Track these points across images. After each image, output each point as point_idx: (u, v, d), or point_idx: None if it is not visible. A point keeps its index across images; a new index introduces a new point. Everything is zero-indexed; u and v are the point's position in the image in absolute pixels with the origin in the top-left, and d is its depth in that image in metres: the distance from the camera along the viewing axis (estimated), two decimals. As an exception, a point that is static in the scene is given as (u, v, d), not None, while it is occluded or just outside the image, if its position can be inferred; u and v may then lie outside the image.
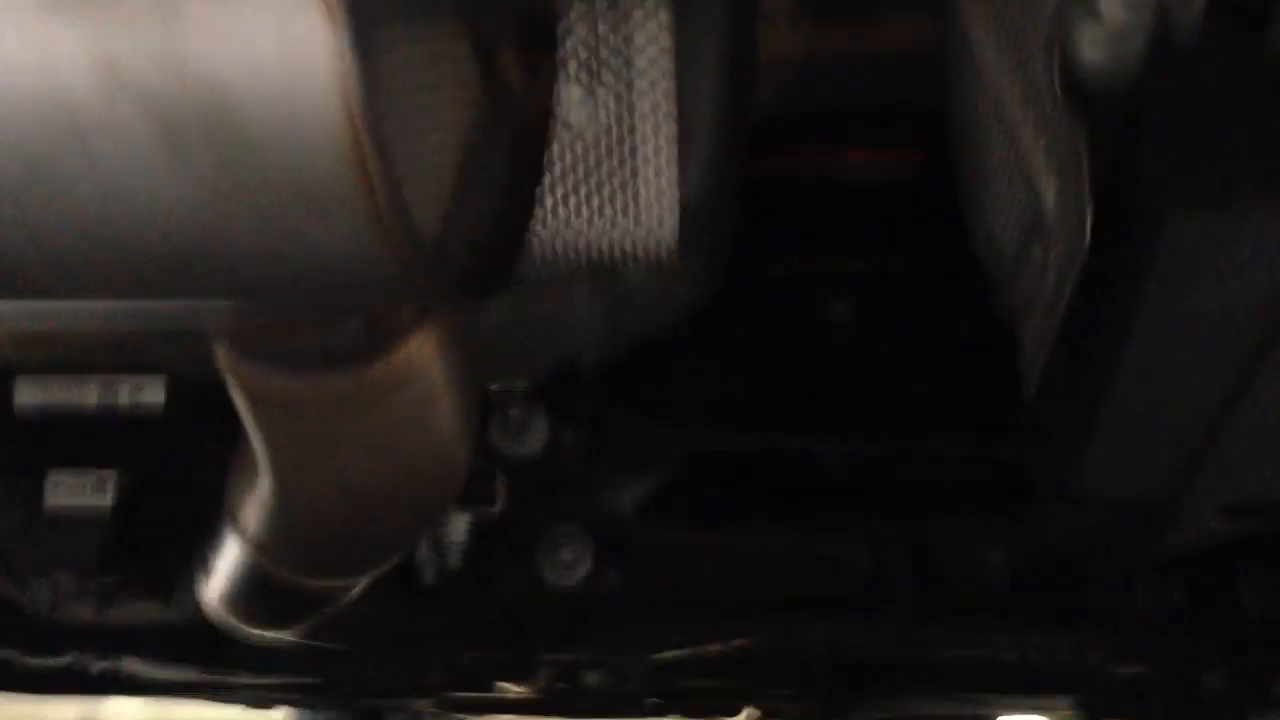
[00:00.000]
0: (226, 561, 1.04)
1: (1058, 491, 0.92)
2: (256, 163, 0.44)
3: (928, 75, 0.98)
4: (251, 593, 1.02)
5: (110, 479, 1.37)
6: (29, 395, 1.36)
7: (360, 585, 0.98)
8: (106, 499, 1.36)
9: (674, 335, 1.25)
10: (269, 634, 1.24)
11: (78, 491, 1.37)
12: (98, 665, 2.24)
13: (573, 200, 0.82)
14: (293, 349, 0.65)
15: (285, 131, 0.43)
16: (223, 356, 0.67)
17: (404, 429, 0.71)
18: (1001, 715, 1.75)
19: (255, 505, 0.87)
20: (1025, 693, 1.41)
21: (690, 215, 0.84)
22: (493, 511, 1.15)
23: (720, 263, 1.00)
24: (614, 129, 0.81)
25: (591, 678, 2.39)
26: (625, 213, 0.82)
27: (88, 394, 1.36)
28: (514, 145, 0.65)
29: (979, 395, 1.21)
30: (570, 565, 1.28)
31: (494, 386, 1.18)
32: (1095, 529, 1.00)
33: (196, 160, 0.44)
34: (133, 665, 2.15)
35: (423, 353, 0.68)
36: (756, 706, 2.96)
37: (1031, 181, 0.79)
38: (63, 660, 2.20)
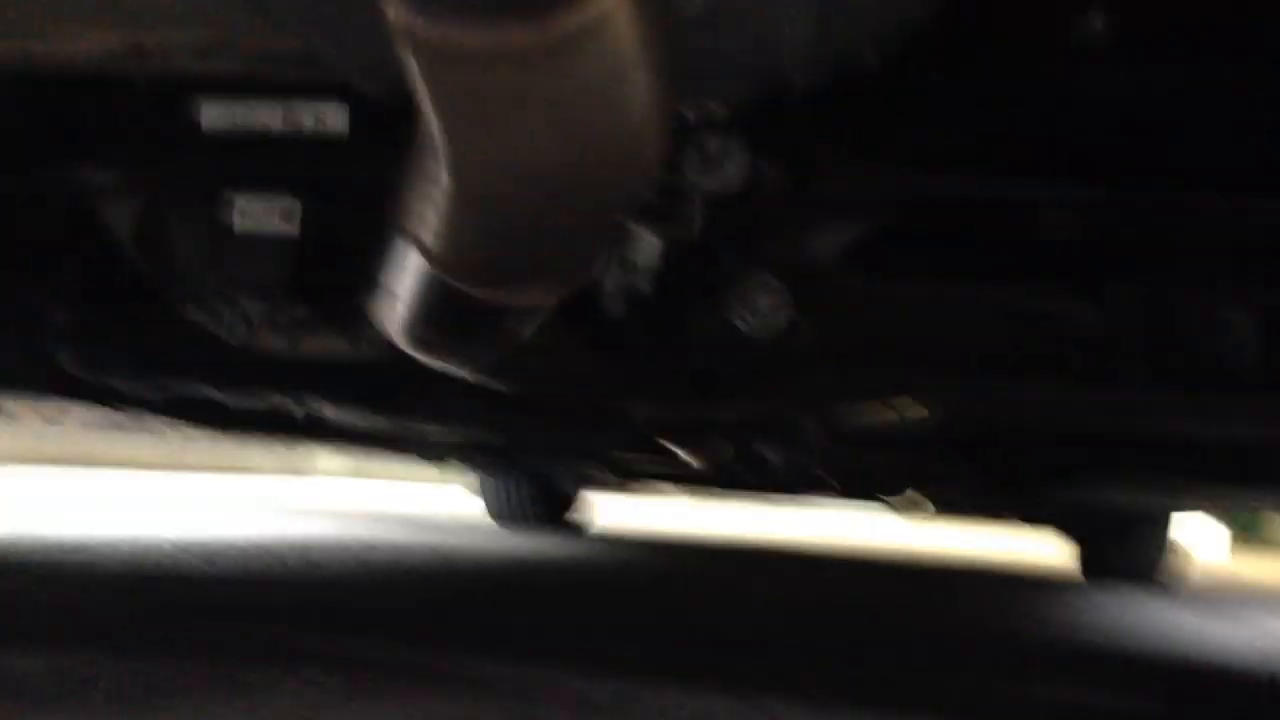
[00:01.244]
0: (407, 281, 0.99)
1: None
2: None
3: None
4: (432, 311, 0.97)
5: (296, 207, 1.34)
6: (214, 117, 1.32)
7: (545, 302, 0.92)
8: (294, 226, 1.34)
9: (891, 61, 1.11)
10: (452, 365, 1.20)
11: (265, 218, 1.34)
12: (298, 409, 2.30)
13: None
14: (472, -9, 0.56)
15: None
16: (393, 10, 0.59)
17: (591, 99, 0.62)
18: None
19: (432, 212, 0.80)
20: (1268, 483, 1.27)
21: None
22: (687, 234, 1.06)
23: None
24: None
25: (770, 453, 2.34)
26: None
27: (272, 117, 1.32)
28: None
29: (1247, 137, 1.04)
30: (766, 315, 1.19)
31: (688, 111, 1.07)
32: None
33: None
34: (330, 413, 2.21)
35: (617, 10, 0.59)
36: (940, 485, 2.88)
37: None
38: (263, 401, 2.27)
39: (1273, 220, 1.07)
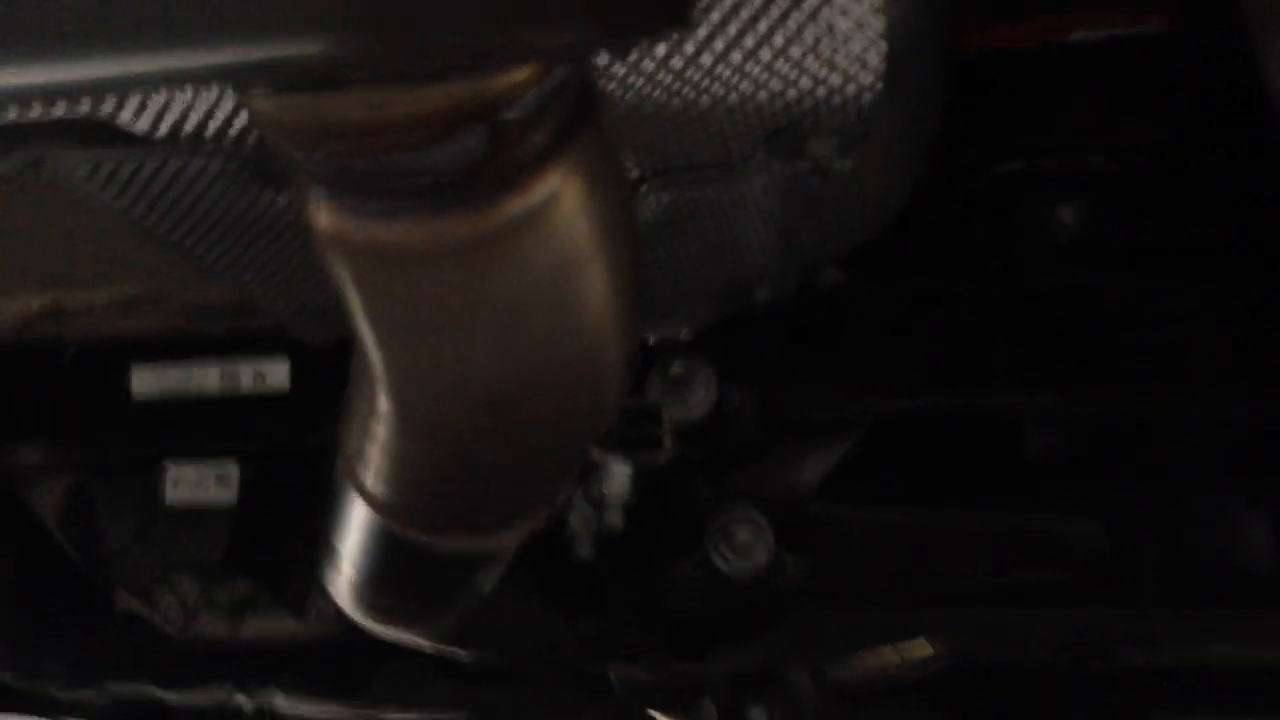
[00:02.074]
0: (352, 537, 0.90)
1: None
2: None
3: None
4: (383, 568, 0.87)
5: (233, 472, 1.25)
6: (144, 382, 1.25)
7: (506, 547, 0.82)
8: (231, 493, 1.24)
9: (857, 273, 1.07)
10: (409, 634, 1.09)
11: (199, 486, 1.25)
12: (248, 703, 2.13)
13: (750, 38, 0.65)
14: (398, 179, 0.50)
15: None
16: (314, 207, 0.53)
17: (542, 299, 0.55)
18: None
19: (374, 449, 0.72)
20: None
21: (897, 54, 0.66)
22: (658, 459, 0.98)
23: (926, 141, 0.82)
24: (796, -56, 0.64)
25: (757, 714, 2.18)
26: (817, 49, 0.65)
27: (208, 379, 1.25)
28: None
29: (1243, 331, 0.99)
30: (746, 552, 1.10)
31: (652, 338, 1.01)
32: None
33: None
34: (278, 701, 2.04)
35: (567, 192, 0.52)
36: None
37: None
38: (207, 696, 2.10)
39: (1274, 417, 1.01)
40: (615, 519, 0.99)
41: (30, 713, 2.20)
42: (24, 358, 1.24)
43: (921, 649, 1.16)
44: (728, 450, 1.11)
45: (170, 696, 2.02)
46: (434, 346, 0.57)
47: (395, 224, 0.51)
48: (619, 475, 0.98)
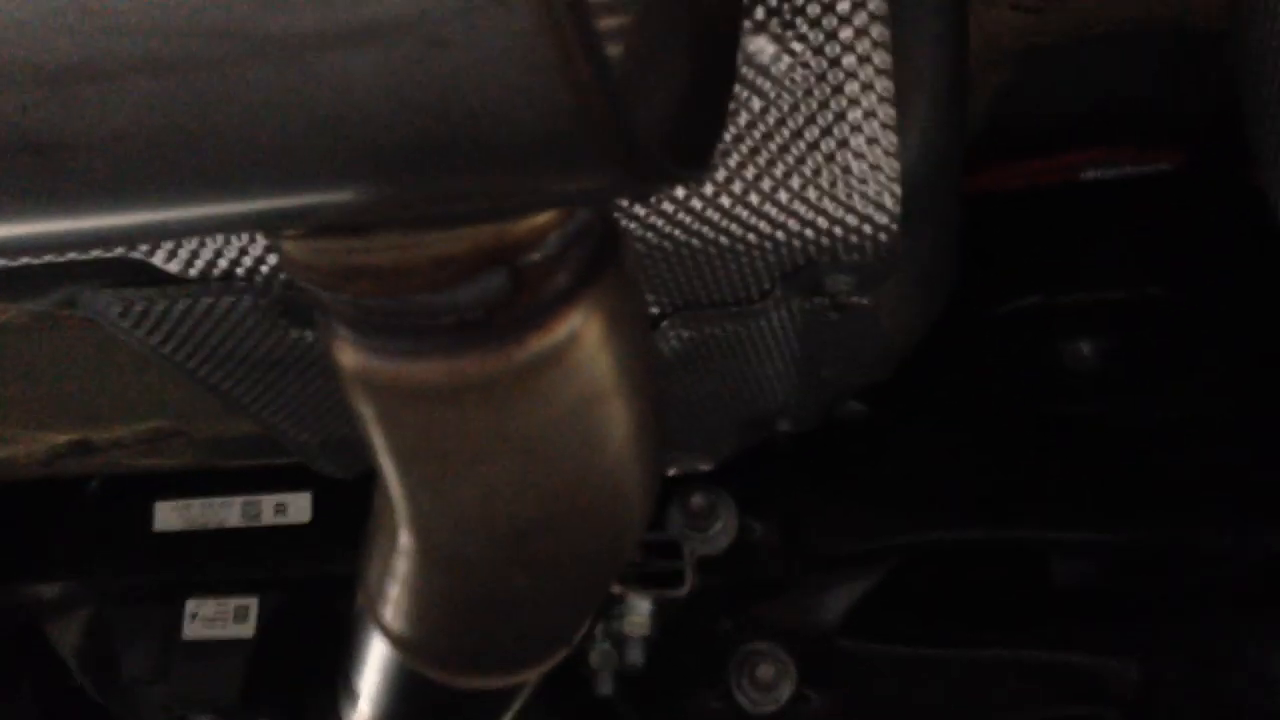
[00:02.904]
0: (371, 675, 0.89)
1: None
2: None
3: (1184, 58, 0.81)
4: (403, 707, 0.86)
5: (252, 606, 1.24)
6: (166, 517, 1.25)
7: (525, 686, 0.81)
8: (249, 628, 1.23)
9: (880, 402, 1.07)
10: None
11: (218, 621, 1.24)
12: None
13: (767, 181, 0.67)
14: (422, 318, 0.51)
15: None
16: (339, 345, 0.53)
17: (565, 434, 0.55)
18: None
19: (394, 585, 0.72)
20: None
21: (913, 196, 0.67)
22: (679, 594, 0.97)
23: (943, 278, 0.83)
24: (815, 88, 0.66)
25: None
26: (833, 191, 0.67)
27: (229, 513, 1.25)
28: (704, 14, 0.50)
29: (1267, 458, 0.99)
30: (769, 688, 1.08)
31: (672, 471, 1.01)
32: None
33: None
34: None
35: (588, 330, 0.53)
36: None
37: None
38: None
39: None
40: (636, 655, 0.98)
41: None
42: (47, 492, 1.25)
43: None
44: (750, 583, 1.10)
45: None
46: (457, 482, 0.57)
47: (419, 362, 0.52)
48: (639, 610, 0.97)
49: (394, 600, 0.73)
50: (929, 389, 1.06)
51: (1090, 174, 0.91)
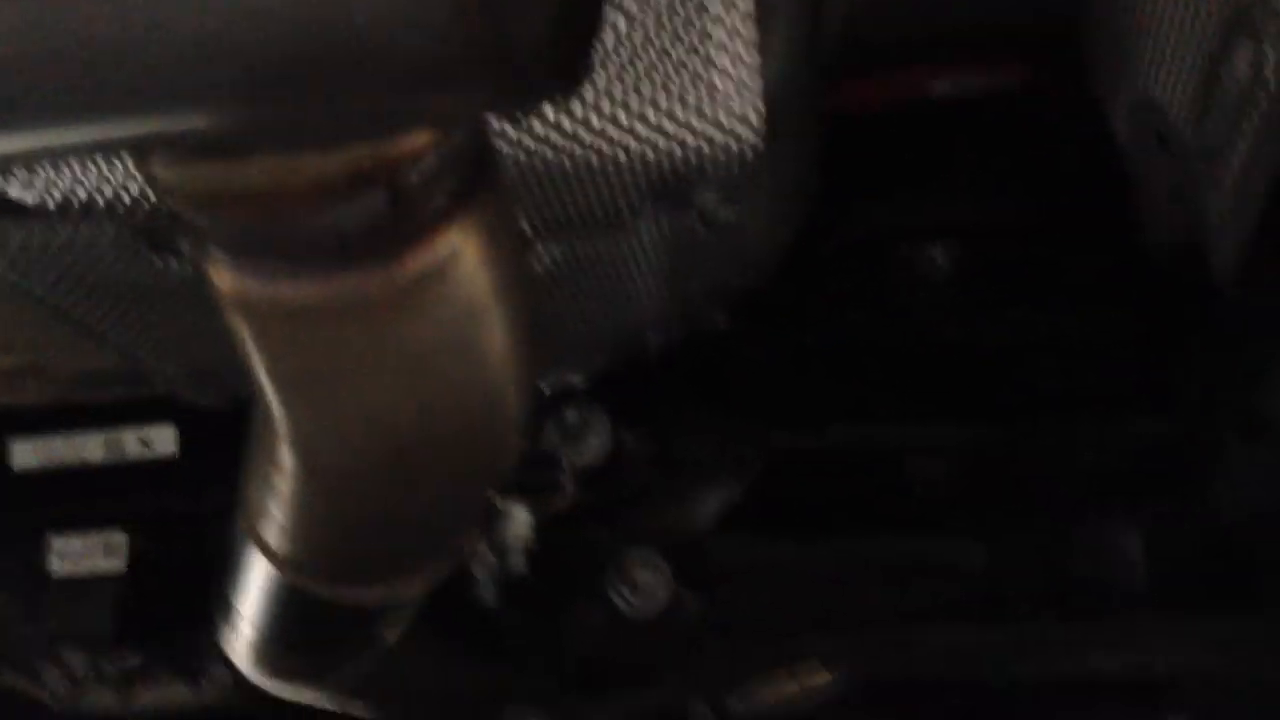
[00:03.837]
0: (253, 596, 0.89)
1: (1245, 427, 0.77)
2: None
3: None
4: (286, 625, 0.86)
5: (121, 541, 1.22)
6: (28, 457, 1.22)
7: (410, 599, 0.83)
8: (118, 563, 1.22)
9: (741, 316, 1.10)
10: (311, 692, 1.08)
11: (86, 557, 1.22)
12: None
13: (635, 100, 0.69)
14: (299, 241, 0.51)
15: None
16: (215, 269, 0.53)
17: (445, 350, 0.56)
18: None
19: (275, 505, 0.72)
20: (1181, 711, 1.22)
21: (776, 111, 0.70)
22: (561, 506, 1.00)
23: (804, 193, 0.86)
24: (679, 7, 0.67)
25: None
26: (700, 108, 0.69)
27: (92, 450, 1.23)
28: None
29: (1111, 354, 1.05)
30: (645, 592, 1.12)
31: (546, 387, 1.03)
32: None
33: None
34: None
35: (467, 249, 0.54)
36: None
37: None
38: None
39: (1145, 437, 1.08)
40: (518, 563, 1.00)
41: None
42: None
43: (818, 675, 1.19)
44: (625, 494, 1.13)
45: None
46: (339, 400, 0.58)
47: (298, 283, 0.52)
48: (520, 520, 0.99)
49: (276, 520, 0.73)
50: (790, 299, 1.09)
51: (940, 89, 0.95)
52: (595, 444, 1.06)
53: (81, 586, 1.20)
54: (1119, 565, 1.11)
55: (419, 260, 0.53)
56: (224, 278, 0.54)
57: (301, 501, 0.68)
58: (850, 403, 1.13)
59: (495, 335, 0.59)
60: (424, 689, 1.16)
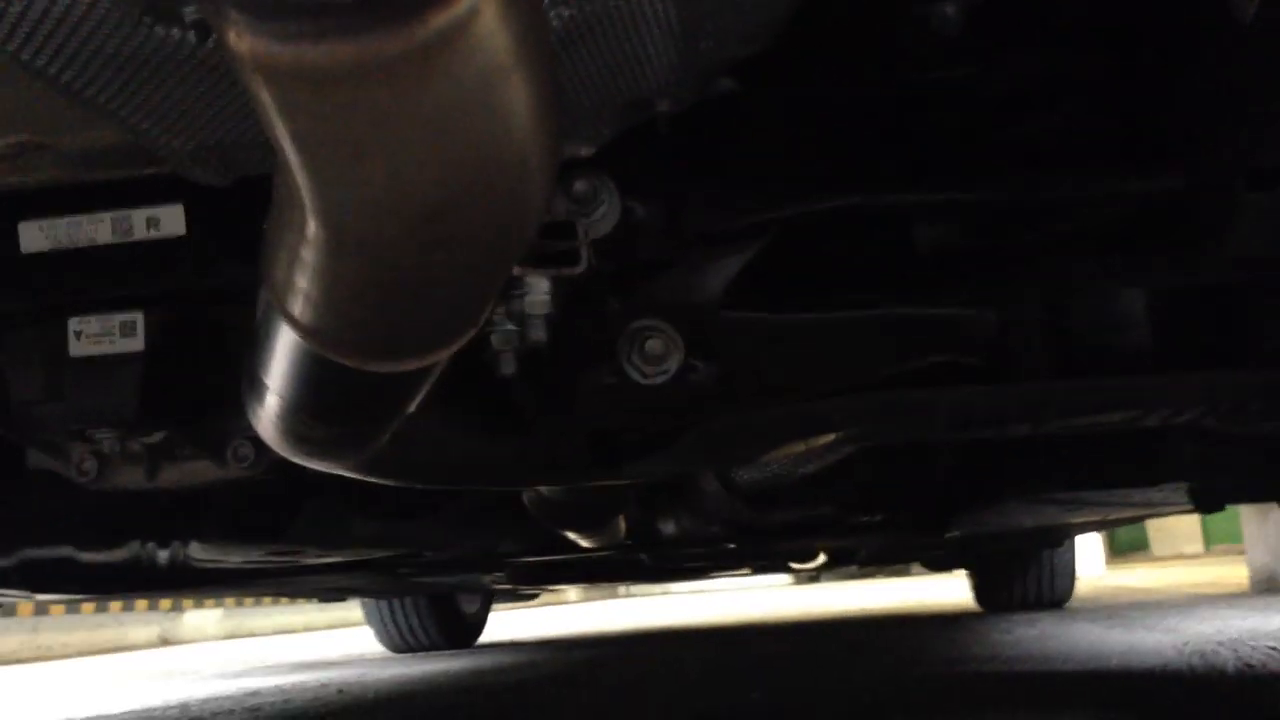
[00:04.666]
0: (280, 367, 0.91)
1: (1249, 175, 0.76)
2: None
3: None
4: (313, 395, 0.88)
5: (138, 320, 1.24)
6: (32, 237, 1.22)
7: (434, 369, 0.84)
8: (137, 342, 1.23)
9: (747, 82, 1.09)
10: (333, 461, 1.11)
11: (104, 338, 1.24)
12: (162, 555, 2.13)
13: None
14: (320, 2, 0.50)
15: None
16: (234, 32, 0.53)
17: (469, 110, 0.56)
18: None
19: (301, 275, 0.72)
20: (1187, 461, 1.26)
21: None
22: (576, 273, 1.00)
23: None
24: None
25: (669, 527, 2.26)
26: None
27: (99, 229, 1.22)
28: None
29: (1119, 104, 1.03)
30: (658, 360, 1.14)
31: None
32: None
33: None
34: (198, 553, 2.05)
35: (487, 5, 0.53)
36: (845, 540, 2.83)
37: None
38: (124, 552, 2.10)
39: (1150, 194, 1.07)
40: (538, 333, 1.02)
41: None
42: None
43: (823, 437, 1.22)
44: (636, 263, 1.14)
45: (85, 556, 2.02)
46: (365, 165, 0.58)
47: (322, 45, 0.52)
48: (539, 289, 1.00)
49: (303, 292, 0.74)
50: (800, 61, 1.07)
51: None
52: (604, 213, 1.06)
53: (102, 365, 1.22)
54: (1123, 324, 1.13)
55: (440, 17, 0.52)
56: (244, 41, 0.53)
57: (330, 273, 0.69)
58: (859, 166, 1.12)
59: (519, 95, 0.58)
60: (441, 461, 1.20)
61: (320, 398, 0.88)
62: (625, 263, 1.11)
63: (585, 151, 1.02)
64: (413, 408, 0.96)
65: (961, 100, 1.08)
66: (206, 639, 9.12)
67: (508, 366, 1.02)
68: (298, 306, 0.75)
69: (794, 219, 1.14)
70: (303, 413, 0.93)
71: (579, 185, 1.04)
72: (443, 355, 0.80)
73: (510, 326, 1.01)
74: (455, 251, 0.66)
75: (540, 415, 1.16)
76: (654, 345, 1.13)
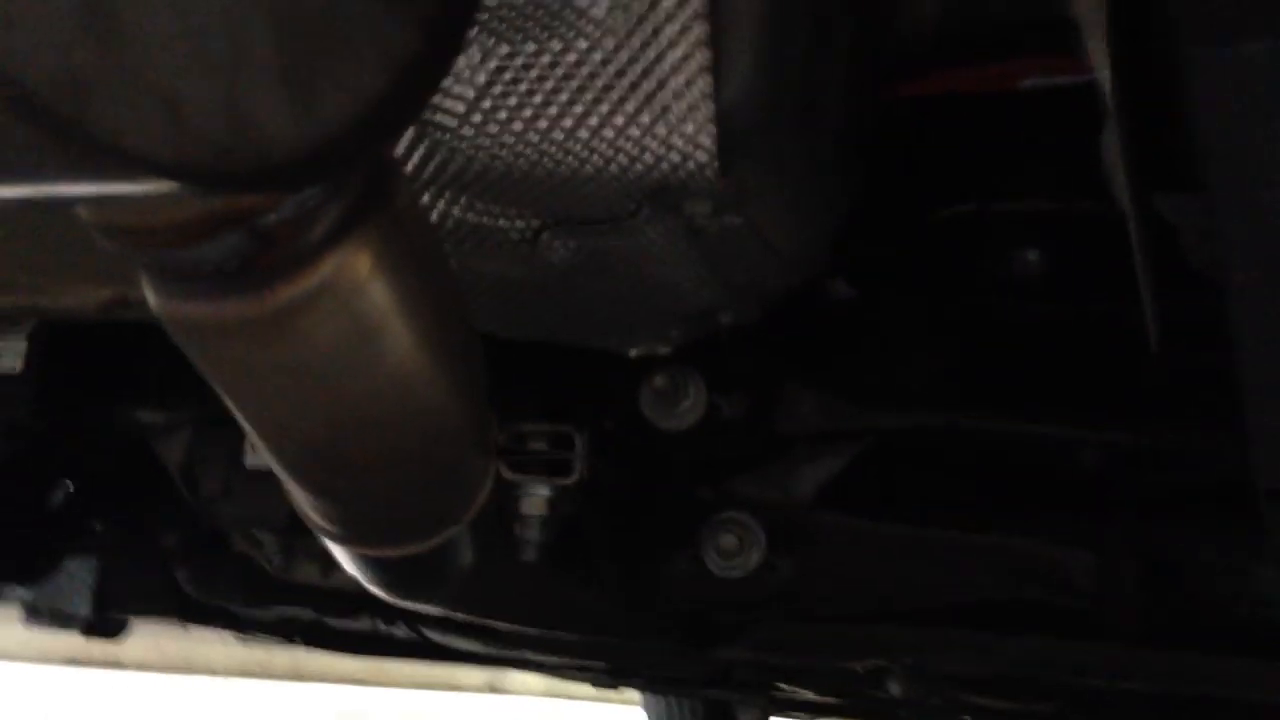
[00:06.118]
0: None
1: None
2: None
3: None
4: (371, 573, 0.96)
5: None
6: None
7: (454, 545, 0.89)
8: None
9: (853, 299, 1.09)
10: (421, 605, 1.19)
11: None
12: (401, 631, 2.30)
13: (594, 117, 0.71)
14: (185, 268, 0.58)
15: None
16: (144, 284, 0.61)
17: (335, 362, 0.61)
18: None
19: (290, 488, 0.79)
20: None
21: (737, 133, 0.69)
22: (570, 483, 1.04)
23: (831, 193, 0.84)
24: (637, 29, 0.68)
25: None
26: (654, 129, 0.69)
27: None
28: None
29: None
30: (737, 553, 1.14)
31: (633, 352, 1.06)
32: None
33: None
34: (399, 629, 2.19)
35: (346, 274, 0.59)
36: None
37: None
38: (361, 624, 2.28)
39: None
40: (536, 534, 1.05)
41: (213, 622, 2.44)
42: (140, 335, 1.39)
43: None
44: (724, 457, 1.15)
45: (331, 621, 2.21)
46: (259, 405, 0.65)
47: (191, 303, 0.59)
48: (535, 497, 1.04)
49: (302, 501, 0.81)
50: (892, 281, 1.06)
51: (1028, 83, 0.88)
52: (687, 407, 1.09)
53: (266, 478, 1.36)
54: (1229, 589, 1.02)
55: (290, 290, 0.58)
56: (149, 294, 0.61)
57: (293, 486, 0.76)
58: (957, 389, 1.09)
59: (398, 344, 0.63)
60: (536, 606, 1.23)
61: (375, 574, 0.94)
62: (713, 456, 1.13)
63: (661, 350, 1.05)
64: (466, 561, 1.00)
65: (1054, 337, 1.03)
66: (530, 692, 9.52)
67: (530, 555, 1.06)
68: (307, 512, 0.81)
69: (888, 432, 1.11)
70: (374, 583, 0.99)
71: (658, 380, 1.08)
72: (433, 543, 0.85)
73: (520, 526, 1.04)
74: (381, 473, 0.72)
75: (617, 585, 1.19)
76: (735, 538, 1.14)
